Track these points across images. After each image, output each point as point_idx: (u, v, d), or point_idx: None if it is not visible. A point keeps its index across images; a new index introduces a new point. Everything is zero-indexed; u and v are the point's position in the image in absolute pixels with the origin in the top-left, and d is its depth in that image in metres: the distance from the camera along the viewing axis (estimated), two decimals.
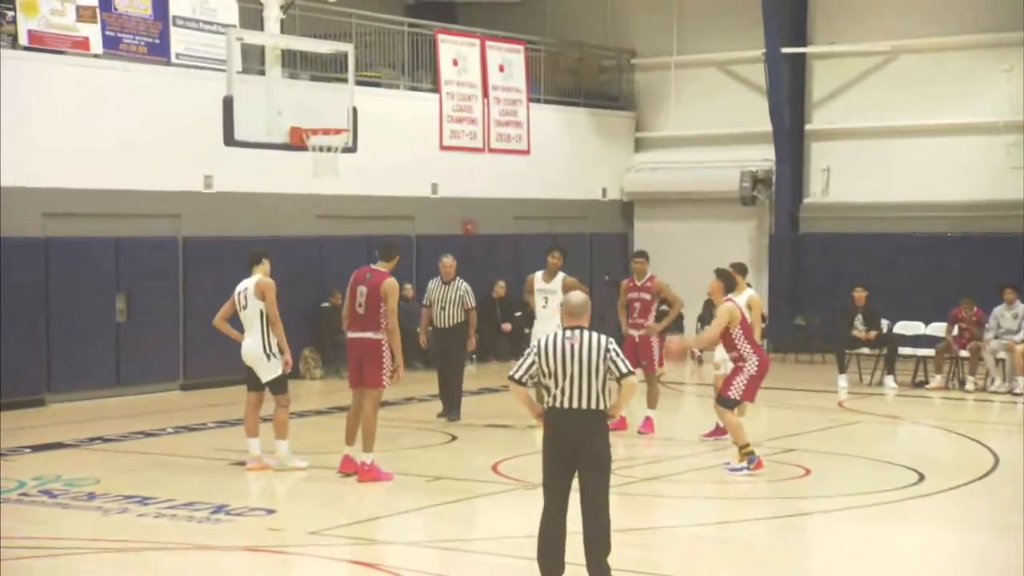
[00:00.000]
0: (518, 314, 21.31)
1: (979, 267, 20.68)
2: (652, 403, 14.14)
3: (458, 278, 14.93)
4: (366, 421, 11.44)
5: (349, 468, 11.63)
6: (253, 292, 11.74)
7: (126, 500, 10.68)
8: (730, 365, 12.24)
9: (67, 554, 9.11)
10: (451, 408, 15.00)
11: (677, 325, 21.94)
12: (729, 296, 12.14)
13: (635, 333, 14.20)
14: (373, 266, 11.71)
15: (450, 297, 14.84)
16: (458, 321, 14.85)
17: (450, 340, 14.88)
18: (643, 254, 14.77)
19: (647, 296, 14.23)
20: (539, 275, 14.39)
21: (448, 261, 15.02)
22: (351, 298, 11.56)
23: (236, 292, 11.91)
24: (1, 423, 14.60)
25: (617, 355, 7.79)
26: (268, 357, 11.76)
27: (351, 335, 11.57)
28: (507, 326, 21.32)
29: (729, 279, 12.39)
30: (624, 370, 7.79)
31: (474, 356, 20.56)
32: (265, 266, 11.98)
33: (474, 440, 13.86)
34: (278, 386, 11.88)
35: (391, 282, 11.47)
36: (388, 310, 11.39)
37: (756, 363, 11.89)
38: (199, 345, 17.67)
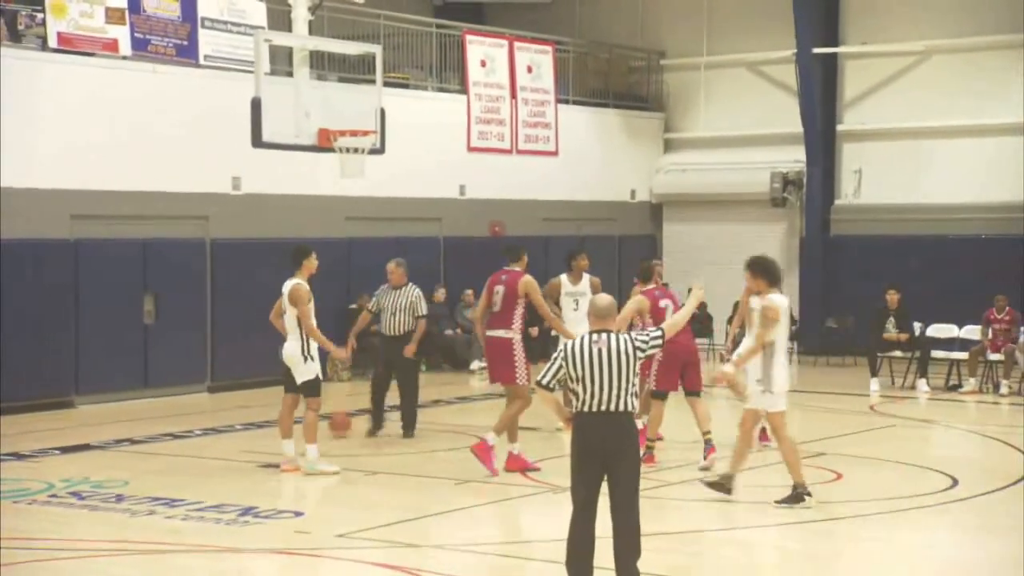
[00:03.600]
0: None
1: (1014, 269, 20.47)
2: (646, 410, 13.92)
3: (410, 283, 14.09)
4: (508, 415, 11.82)
5: (514, 466, 11.88)
6: (287, 299, 11.76)
7: (154, 502, 10.67)
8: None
9: (95, 556, 9.09)
10: (406, 425, 14.02)
11: (706, 330, 21.79)
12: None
13: None
14: (507, 267, 12.08)
15: (400, 303, 13.94)
16: (408, 329, 13.94)
17: (400, 348, 13.94)
18: (658, 260, 14.85)
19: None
20: (564, 278, 14.35)
21: (391, 267, 14.15)
22: (487, 297, 12.00)
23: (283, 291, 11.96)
24: (30, 425, 14.66)
25: (643, 346, 7.76)
26: (305, 359, 11.76)
27: (488, 333, 11.95)
28: (534, 330, 21.19)
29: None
30: (656, 334, 7.85)
31: (423, 366, 20.08)
32: (310, 264, 11.90)
33: (502, 443, 13.77)
34: (311, 389, 11.87)
35: (529, 279, 11.93)
36: (537, 304, 11.94)
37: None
38: (227, 347, 17.69)
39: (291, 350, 11.80)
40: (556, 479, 11.12)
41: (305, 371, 11.79)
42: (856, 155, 23.36)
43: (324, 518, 10.30)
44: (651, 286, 12.69)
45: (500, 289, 11.89)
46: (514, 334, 11.79)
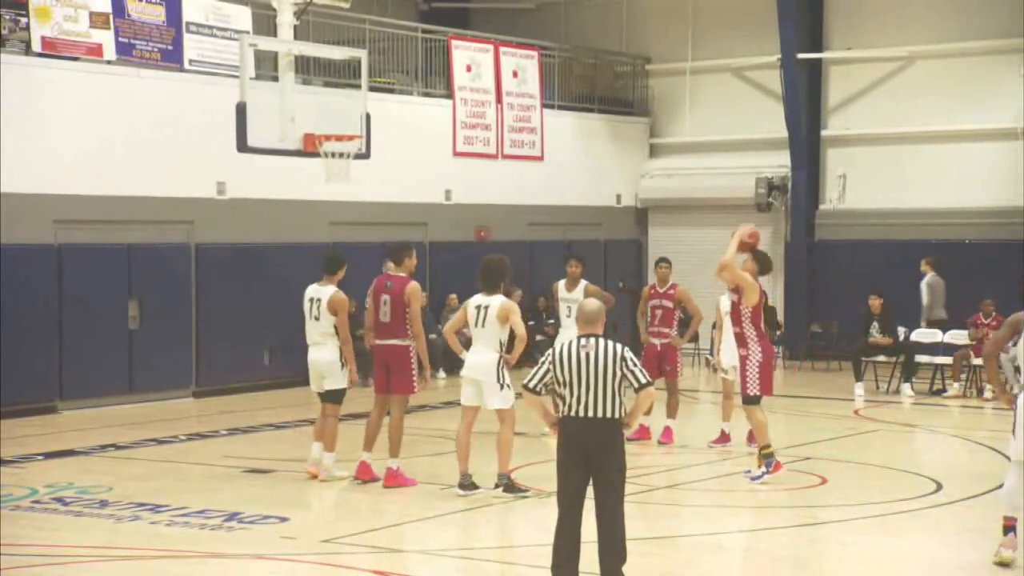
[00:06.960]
0: (531, 322, 21.23)
1: (997, 274, 20.53)
2: (672, 413, 14.03)
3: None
4: (393, 427, 11.53)
5: (366, 475, 11.58)
6: (326, 307, 11.73)
7: (138, 508, 10.64)
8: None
9: (79, 562, 9.06)
10: None
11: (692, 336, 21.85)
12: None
13: (657, 342, 14.09)
14: (391, 272, 11.76)
15: None
16: None
17: None
18: (667, 261, 14.58)
19: (669, 304, 14.16)
20: (562, 284, 14.31)
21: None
22: (375, 308, 11.62)
23: (307, 298, 11.87)
24: (14, 430, 14.60)
25: (634, 364, 7.72)
26: (342, 366, 11.78)
27: (378, 342, 11.61)
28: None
29: (765, 262, 12.10)
30: (643, 380, 7.72)
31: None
32: (341, 274, 11.92)
33: (488, 448, 13.76)
34: (337, 396, 11.88)
35: (413, 286, 11.56)
36: (412, 314, 11.46)
37: (760, 351, 11.79)
38: (212, 352, 17.64)
39: (328, 357, 11.74)
40: (542, 484, 11.13)
41: (340, 379, 11.79)
42: (841, 160, 23.44)
43: (309, 524, 10.28)
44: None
45: (386, 298, 11.51)
46: (409, 341, 11.48)
